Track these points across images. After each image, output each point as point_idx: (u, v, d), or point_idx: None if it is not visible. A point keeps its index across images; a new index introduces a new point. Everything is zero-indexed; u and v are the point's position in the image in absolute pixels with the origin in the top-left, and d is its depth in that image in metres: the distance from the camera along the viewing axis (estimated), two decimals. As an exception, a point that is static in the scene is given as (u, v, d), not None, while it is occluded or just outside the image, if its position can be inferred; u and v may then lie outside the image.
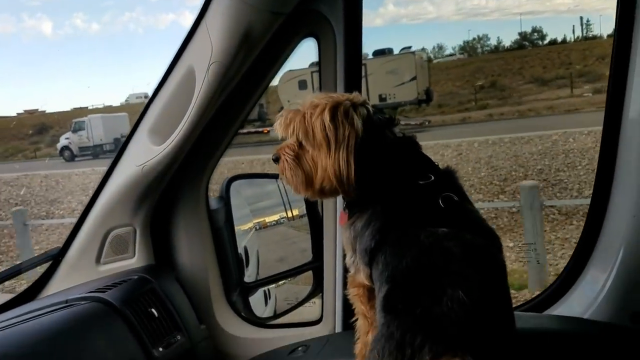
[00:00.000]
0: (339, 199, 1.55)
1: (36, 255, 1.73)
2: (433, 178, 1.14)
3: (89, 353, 1.30)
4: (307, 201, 2.10)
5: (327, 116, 1.16)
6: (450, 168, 1.21)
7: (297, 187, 1.28)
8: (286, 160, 1.27)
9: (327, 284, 1.73)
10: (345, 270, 1.62)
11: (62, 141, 29.92)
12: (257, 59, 1.53)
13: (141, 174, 1.57)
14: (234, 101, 1.62)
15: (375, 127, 1.22)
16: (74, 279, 1.67)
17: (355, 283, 1.27)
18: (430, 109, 21.80)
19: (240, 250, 2.26)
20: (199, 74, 1.46)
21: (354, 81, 1.54)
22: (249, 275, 2.32)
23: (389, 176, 1.18)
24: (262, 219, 2.64)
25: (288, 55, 1.58)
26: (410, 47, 26.45)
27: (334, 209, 1.69)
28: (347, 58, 1.52)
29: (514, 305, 1.91)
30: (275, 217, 2.65)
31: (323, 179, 1.22)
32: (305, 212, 2.28)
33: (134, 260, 1.69)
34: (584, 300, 1.61)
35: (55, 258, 1.70)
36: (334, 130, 1.16)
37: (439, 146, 12.59)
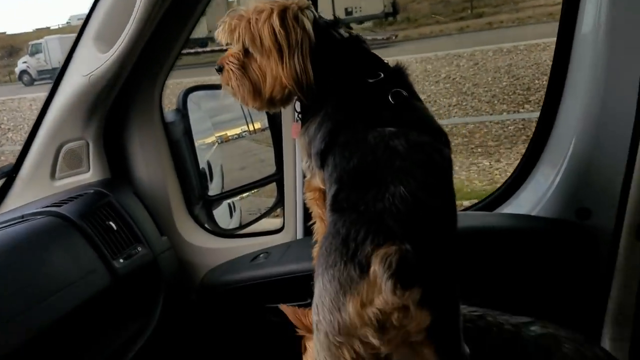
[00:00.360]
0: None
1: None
2: (382, 76, 1.13)
3: (47, 266, 1.31)
4: (268, 114, 2.07)
5: (276, 21, 1.11)
6: (400, 65, 1.19)
7: (244, 98, 1.23)
8: (231, 69, 1.20)
9: (288, 193, 1.75)
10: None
11: (20, 65, 29.00)
12: None
13: (89, 84, 1.51)
14: (181, 7, 1.54)
15: (322, 29, 1.18)
16: (30, 195, 1.64)
17: (311, 187, 1.28)
18: (423, 18, 21.16)
19: (203, 164, 2.25)
20: None
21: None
22: (213, 189, 2.34)
23: (339, 76, 1.16)
24: (224, 133, 2.61)
25: None
26: None
27: (292, 120, 1.67)
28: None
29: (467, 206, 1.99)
30: (237, 131, 2.63)
31: (273, 88, 1.19)
32: (267, 125, 2.27)
33: (89, 175, 1.66)
34: (533, 198, 1.67)
35: (9, 175, 1.66)
36: (285, 35, 1.11)
37: (451, 56, 12.12)
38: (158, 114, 1.74)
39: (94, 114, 1.60)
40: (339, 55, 1.17)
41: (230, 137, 2.60)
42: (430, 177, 1.00)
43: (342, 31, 1.20)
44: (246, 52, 1.19)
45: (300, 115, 1.27)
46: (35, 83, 26.64)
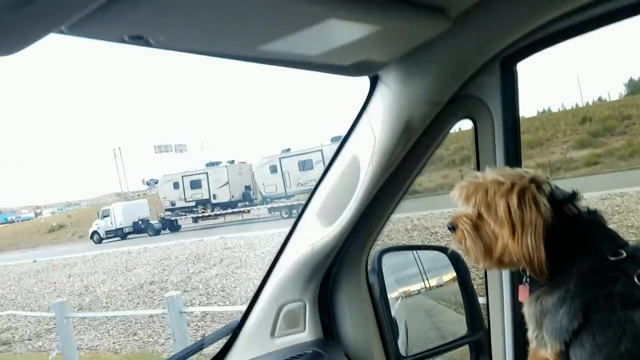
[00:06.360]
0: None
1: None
2: (625, 254, 1.14)
3: None
4: (458, 271, 2.12)
5: (514, 200, 1.21)
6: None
7: (476, 257, 1.32)
8: (465, 229, 1.32)
9: (496, 356, 1.71)
10: (517, 343, 1.62)
11: (93, 226, 37.07)
12: (415, 142, 1.64)
13: (311, 253, 1.72)
14: (392, 182, 1.73)
15: (558, 203, 1.24)
16: (251, 351, 1.81)
17: (538, 357, 1.27)
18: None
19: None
20: (363, 163, 1.59)
21: (514, 160, 1.58)
22: (401, 347, 2.35)
23: (577, 253, 1.19)
24: (406, 288, 2.68)
25: (445, 136, 1.67)
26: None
27: (499, 280, 1.70)
28: (506, 138, 1.58)
29: None
30: (417, 287, 2.69)
31: (503, 252, 1.26)
32: (442, 282, 2.31)
33: (305, 334, 1.81)
34: None
35: (234, 331, 1.87)
36: (520, 216, 1.20)
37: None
38: (364, 277, 1.88)
39: (313, 278, 1.78)
40: (576, 231, 1.21)
41: (412, 293, 2.66)
42: None
43: (579, 205, 1.25)
44: (480, 215, 1.29)
45: (528, 280, 1.30)
46: (103, 241, 33.73)
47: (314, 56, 1.24)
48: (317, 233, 1.71)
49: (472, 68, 1.49)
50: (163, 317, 10.70)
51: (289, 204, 31.58)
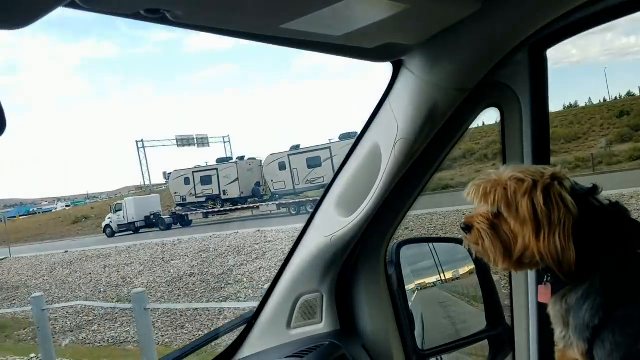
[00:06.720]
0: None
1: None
2: None
3: None
4: (477, 264, 2.07)
5: (539, 197, 1.15)
6: None
7: (495, 259, 1.26)
8: (482, 229, 1.26)
9: (520, 354, 1.67)
10: (543, 341, 1.57)
11: (106, 220, 37.96)
12: (439, 131, 1.59)
13: (330, 243, 1.68)
14: (414, 171, 1.68)
15: (581, 198, 1.19)
16: (266, 342, 1.79)
17: (566, 358, 1.22)
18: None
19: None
20: (385, 151, 1.54)
21: (542, 152, 1.53)
22: (417, 339, 2.31)
23: (603, 248, 1.14)
24: (422, 281, 2.64)
25: (470, 124, 1.61)
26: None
27: (523, 275, 1.64)
28: (534, 128, 1.52)
29: None
30: (433, 279, 2.64)
31: (523, 252, 1.21)
32: (458, 275, 2.27)
33: (322, 326, 1.77)
34: None
35: (249, 321, 1.84)
36: (547, 213, 1.14)
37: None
38: (383, 268, 1.84)
39: (331, 269, 1.74)
40: (601, 225, 1.16)
41: (427, 285, 2.62)
42: None
43: (600, 199, 1.20)
44: (497, 214, 1.23)
45: (550, 279, 1.25)
46: (115, 235, 34.48)
47: (338, 37, 1.19)
48: (335, 223, 1.67)
49: (500, 53, 1.44)
50: (209, 311, 10.40)
51: (297, 200, 31.79)
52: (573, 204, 1.15)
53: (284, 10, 0.99)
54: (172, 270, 17.08)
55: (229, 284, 14.08)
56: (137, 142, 50.09)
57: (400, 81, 1.50)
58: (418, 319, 2.49)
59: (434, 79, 1.44)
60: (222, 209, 36.22)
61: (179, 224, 36.25)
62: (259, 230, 21.26)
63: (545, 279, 1.28)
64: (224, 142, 51.62)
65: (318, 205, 1.76)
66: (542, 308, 1.57)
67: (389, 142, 1.53)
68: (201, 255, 18.79)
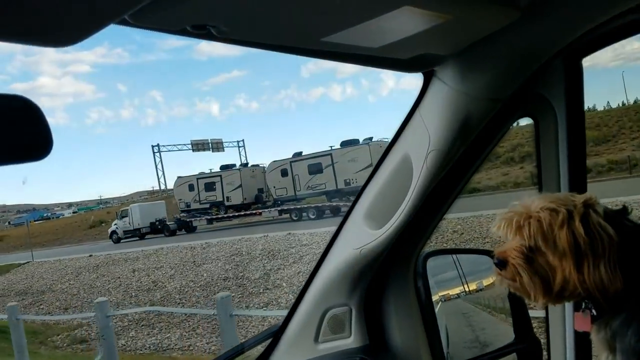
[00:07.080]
0: None
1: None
2: None
3: None
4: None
5: (580, 229, 1.11)
6: None
7: (535, 296, 1.20)
8: (519, 264, 1.19)
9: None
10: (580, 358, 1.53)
11: (112, 226, 38.47)
12: (472, 141, 1.56)
13: (359, 256, 1.65)
14: (446, 182, 1.65)
15: (615, 221, 1.15)
16: (293, 356, 1.76)
17: None
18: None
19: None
20: (416, 162, 1.51)
21: (578, 160, 1.50)
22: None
23: None
24: (446, 292, 2.60)
25: (504, 134, 1.58)
26: (371, 138, 30.17)
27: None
28: (569, 137, 1.49)
29: None
30: (457, 291, 2.60)
31: (563, 284, 1.16)
32: (481, 287, 2.23)
33: (350, 341, 1.74)
34: None
35: (276, 335, 1.81)
36: (589, 243, 1.10)
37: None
38: (412, 281, 1.81)
39: (359, 282, 1.71)
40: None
41: (451, 296, 2.58)
42: None
43: (632, 219, 1.16)
44: (533, 247, 1.18)
45: (590, 306, 1.21)
46: (121, 241, 34.84)
47: (375, 49, 1.17)
48: (365, 236, 1.64)
49: (535, 63, 1.41)
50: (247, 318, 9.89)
51: (299, 206, 32.10)
52: (613, 230, 1.11)
53: (325, 24, 0.97)
54: (205, 275, 16.78)
55: (267, 289, 13.76)
56: (152, 146, 50.57)
57: (431, 91, 1.47)
58: (442, 331, 2.45)
59: (468, 90, 1.41)
60: (225, 215, 36.49)
61: (183, 230, 36.58)
62: (289, 233, 20.98)
63: (583, 307, 1.23)
64: (239, 147, 51.92)
65: (346, 216, 1.73)
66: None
67: (420, 153, 1.50)
68: (234, 259, 18.45)
